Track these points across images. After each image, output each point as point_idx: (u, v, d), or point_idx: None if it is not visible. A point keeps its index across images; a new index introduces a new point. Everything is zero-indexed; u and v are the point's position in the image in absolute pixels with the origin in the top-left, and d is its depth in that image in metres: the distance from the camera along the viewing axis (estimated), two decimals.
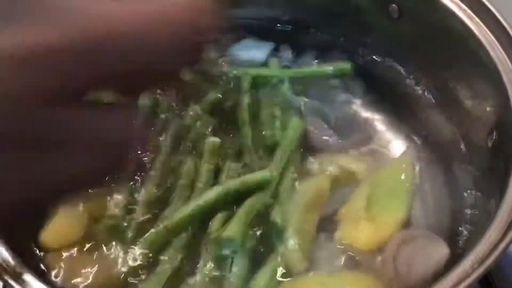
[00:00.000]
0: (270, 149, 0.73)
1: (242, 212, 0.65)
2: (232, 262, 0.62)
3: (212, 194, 0.66)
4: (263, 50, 0.86)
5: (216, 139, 0.71)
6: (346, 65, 0.82)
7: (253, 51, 0.86)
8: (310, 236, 0.65)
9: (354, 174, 0.71)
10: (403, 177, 0.68)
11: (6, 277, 0.52)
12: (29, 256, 0.65)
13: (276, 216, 0.66)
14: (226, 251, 0.63)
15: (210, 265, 0.63)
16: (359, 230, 0.65)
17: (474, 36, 0.67)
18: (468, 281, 0.50)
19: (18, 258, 0.54)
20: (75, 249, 0.65)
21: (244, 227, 0.64)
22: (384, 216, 0.66)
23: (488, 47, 0.65)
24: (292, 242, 0.64)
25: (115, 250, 0.65)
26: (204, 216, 0.66)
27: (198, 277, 0.62)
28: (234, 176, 0.69)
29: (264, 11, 0.89)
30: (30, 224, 0.67)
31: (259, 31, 0.87)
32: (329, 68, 0.83)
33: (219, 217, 0.65)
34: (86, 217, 0.68)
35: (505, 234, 0.53)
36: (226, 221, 0.65)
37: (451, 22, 0.69)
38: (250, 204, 0.66)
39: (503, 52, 0.65)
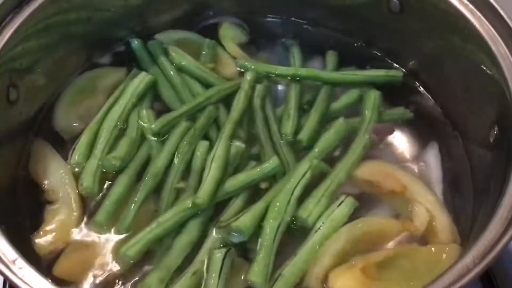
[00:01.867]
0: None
1: (257, 208, 0.66)
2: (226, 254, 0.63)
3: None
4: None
5: (241, 145, 0.72)
6: (397, 73, 0.81)
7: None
8: (335, 265, 0.63)
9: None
10: (436, 264, 0.63)
11: (6, 272, 0.52)
12: (29, 251, 0.65)
13: (303, 212, 0.66)
14: (234, 239, 0.65)
15: (213, 247, 0.64)
16: (348, 273, 0.62)
17: (476, 31, 0.66)
18: (469, 276, 0.50)
19: (18, 252, 0.54)
20: (72, 244, 0.66)
21: (255, 222, 0.65)
22: (388, 284, 0.62)
23: (490, 42, 0.65)
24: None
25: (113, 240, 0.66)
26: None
27: (200, 255, 0.64)
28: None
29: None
30: (29, 222, 0.68)
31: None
32: (380, 73, 0.81)
33: (235, 205, 0.67)
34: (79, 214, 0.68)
35: (505, 230, 0.54)
36: (240, 211, 0.67)
37: (452, 17, 0.69)
38: (266, 200, 0.67)
39: (504, 46, 0.64)
